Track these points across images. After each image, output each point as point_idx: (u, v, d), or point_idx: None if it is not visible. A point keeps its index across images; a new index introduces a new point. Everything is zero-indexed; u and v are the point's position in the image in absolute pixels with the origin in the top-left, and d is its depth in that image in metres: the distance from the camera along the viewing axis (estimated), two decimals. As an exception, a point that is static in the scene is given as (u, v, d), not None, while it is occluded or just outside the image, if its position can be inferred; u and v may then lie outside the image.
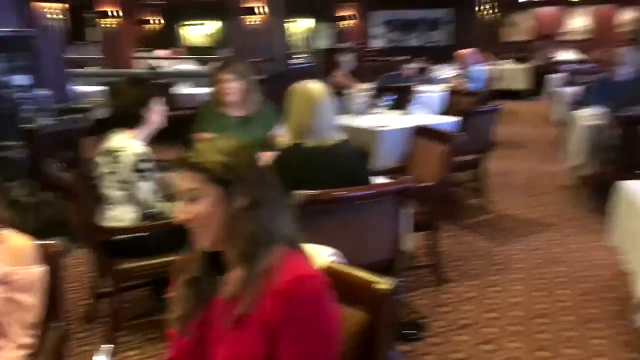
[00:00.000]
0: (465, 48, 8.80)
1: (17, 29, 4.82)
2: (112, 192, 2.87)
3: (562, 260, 3.91)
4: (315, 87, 2.58)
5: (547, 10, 16.00)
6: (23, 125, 4.69)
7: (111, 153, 2.84)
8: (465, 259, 3.98)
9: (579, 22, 15.80)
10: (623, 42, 12.70)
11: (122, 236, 2.83)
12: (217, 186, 1.32)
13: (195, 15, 17.34)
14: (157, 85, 3.21)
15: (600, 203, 4.14)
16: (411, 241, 3.04)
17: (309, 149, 2.50)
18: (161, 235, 2.91)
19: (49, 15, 5.56)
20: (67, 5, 5.91)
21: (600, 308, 3.23)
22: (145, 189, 2.85)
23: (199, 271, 1.42)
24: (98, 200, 2.92)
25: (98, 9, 11.50)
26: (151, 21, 17.14)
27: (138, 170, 2.82)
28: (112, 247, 2.80)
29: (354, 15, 16.09)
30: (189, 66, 12.23)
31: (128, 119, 2.93)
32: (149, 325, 3.07)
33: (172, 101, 6.89)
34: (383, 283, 1.41)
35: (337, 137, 2.58)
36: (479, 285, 3.56)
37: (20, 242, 1.70)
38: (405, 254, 2.80)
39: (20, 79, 4.67)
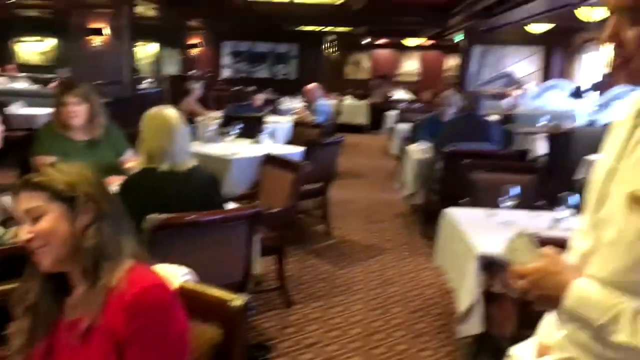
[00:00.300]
0: (311, 82, 9.26)
1: None
2: (-60, 216, 2.66)
3: (395, 281, 4.27)
4: (170, 113, 2.64)
5: (384, 53, 17.35)
6: None
7: (-60, 175, 2.65)
8: (310, 281, 4.19)
9: (410, 65, 17.33)
10: (448, 85, 14.16)
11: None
12: (60, 203, 1.34)
13: (28, 30, 16.23)
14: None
15: (429, 229, 4.62)
16: (259, 265, 3.17)
17: (164, 173, 2.54)
18: (-3, 263, 2.75)
19: None
20: None
21: (428, 323, 3.59)
22: (-19, 213, 2.68)
23: (38, 296, 1.41)
24: None
25: None
26: (-21, 34, 15.74)
27: (-27, 194, 2.65)
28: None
29: (203, 43, 16.13)
30: (24, 85, 11.43)
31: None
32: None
33: (7, 121, 6.42)
34: (236, 300, 1.51)
35: (191, 163, 2.65)
36: (322, 306, 3.77)
37: None
38: (254, 277, 2.92)
39: None
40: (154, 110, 2.67)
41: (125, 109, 9.96)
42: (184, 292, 1.51)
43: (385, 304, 3.84)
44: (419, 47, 16.78)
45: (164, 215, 2.41)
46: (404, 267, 4.56)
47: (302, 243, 4.93)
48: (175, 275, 1.61)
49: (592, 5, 7.20)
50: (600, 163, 1.27)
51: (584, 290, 1.16)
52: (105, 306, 1.32)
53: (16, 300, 1.43)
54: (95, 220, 1.36)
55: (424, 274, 4.39)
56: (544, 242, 1.31)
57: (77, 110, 3.34)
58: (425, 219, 5.27)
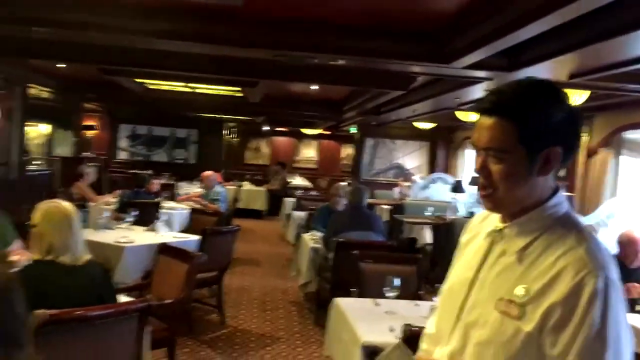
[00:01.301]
0: (210, 167, 9.38)
1: None
2: None
3: (289, 370, 4.32)
4: (66, 205, 2.67)
5: (283, 140, 17.91)
6: None
7: None
8: (202, 374, 4.14)
9: (308, 152, 17.97)
10: (344, 173, 14.80)
11: None
12: None
13: None
14: None
15: (321, 317, 4.75)
16: (149, 359, 3.13)
17: (58, 266, 2.54)
18: None
19: None
20: None
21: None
22: None
23: None
24: None
25: None
26: None
27: None
28: None
29: (99, 125, 15.91)
30: None
31: None
32: None
33: None
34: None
35: (86, 256, 2.66)
36: (214, 399, 3.74)
37: None
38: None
39: None
40: (50, 204, 2.68)
41: (12, 191, 9.55)
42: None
43: (278, 395, 3.87)
44: (316, 136, 17.50)
45: (51, 311, 2.38)
46: (297, 356, 4.62)
47: (195, 333, 4.87)
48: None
49: (467, 110, 8.01)
50: (456, 275, 1.49)
51: None
52: None
53: None
54: None
55: (316, 363, 4.48)
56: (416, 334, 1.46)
57: None
58: (318, 307, 5.41)
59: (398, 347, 1.37)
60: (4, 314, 1.39)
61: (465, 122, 9.07)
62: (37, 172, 11.24)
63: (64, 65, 8.28)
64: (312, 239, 5.90)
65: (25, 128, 10.79)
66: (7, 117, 9.57)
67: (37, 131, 15.53)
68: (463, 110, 8.09)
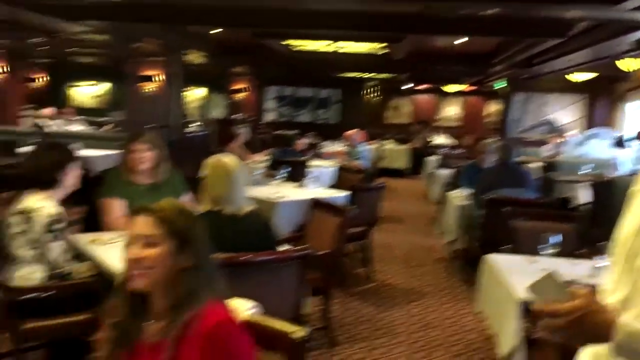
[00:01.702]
0: (351, 126, 9.52)
1: None
2: (23, 251, 2.92)
3: (437, 325, 4.35)
4: (230, 161, 2.88)
5: (424, 98, 17.57)
6: None
7: (25, 213, 2.92)
8: (353, 323, 4.31)
9: (451, 110, 17.48)
10: (489, 130, 14.25)
11: (28, 295, 2.86)
12: (173, 240, 1.54)
13: (83, 75, 17.10)
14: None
15: (470, 275, 4.70)
16: (306, 305, 3.32)
17: (225, 216, 2.77)
18: (68, 296, 2.98)
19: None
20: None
21: (470, 367, 3.66)
22: (57, 249, 2.94)
23: (123, 315, 1.57)
24: (6, 260, 2.94)
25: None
26: (37, 79, 16.65)
27: (51, 231, 2.91)
28: (17, 306, 2.82)
29: (247, 88, 16.68)
30: (79, 127, 12.03)
31: (44, 181, 3.03)
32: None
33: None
34: (298, 332, 1.68)
35: (249, 207, 2.87)
36: (366, 347, 3.88)
37: None
38: (303, 316, 3.08)
39: None
40: (216, 159, 2.91)
41: (173, 151, 10.42)
42: (250, 324, 1.69)
43: (428, 348, 3.93)
44: (459, 93, 16.96)
45: (222, 255, 2.60)
46: (445, 312, 4.64)
47: (344, 285, 5.06)
48: (243, 308, 1.79)
49: (633, 57, 7.29)
50: (626, 224, 1.42)
51: (631, 326, 1.28)
52: (183, 338, 1.49)
53: (105, 314, 1.61)
54: (195, 264, 1.55)
55: (466, 319, 4.46)
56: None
57: (145, 157, 3.61)
58: (466, 265, 5.35)
59: (549, 277, 1.34)
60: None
61: (628, 72, 8.29)
62: (194, 134, 12.09)
63: (218, 31, 8.74)
64: (458, 196, 5.82)
65: (183, 93, 11.63)
66: (167, 82, 10.38)
67: (194, 95, 16.69)
68: (627, 58, 7.38)
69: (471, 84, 15.61)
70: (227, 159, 2.90)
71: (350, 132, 8.95)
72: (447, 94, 17.14)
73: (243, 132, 8.89)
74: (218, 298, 1.59)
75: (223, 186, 2.80)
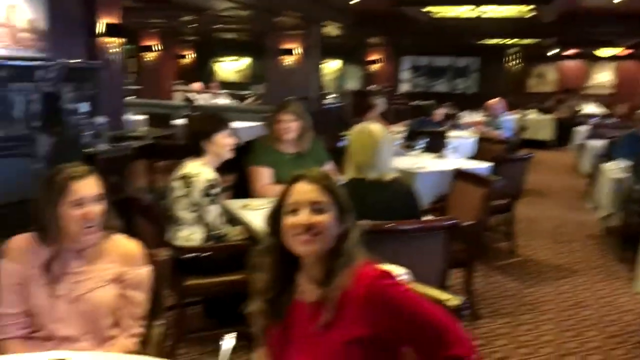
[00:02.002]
0: (491, 96, 9.10)
1: (85, 61, 5.22)
2: (184, 214, 3.15)
3: (589, 304, 4.09)
4: (376, 128, 2.88)
5: (572, 64, 16.35)
6: (85, 150, 5.04)
7: (185, 179, 3.14)
8: (496, 297, 4.17)
9: (603, 76, 16.12)
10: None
11: (189, 255, 3.09)
12: (337, 209, 1.58)
13: (226, 51, 17.96)
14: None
15: (627, 253, 4.35)
16: (450, 276, 3.26)
17: (370, 183, 2.78)
18: (224, 256, 3.18)
19: (110, 49, 5.97)
20: (123, 41, 6.31)
21: (627, 350, 3.40)
22: (213, 212, 3.14)
23: (277, 277, 1.61)
24: (170, 221, 3.20)
25: (141, 44, 12.09)
26: (186, 56, 17.78)
27: (208, 195, 3.11)
28: (179, 264, 3.05)
29: (382, 58, 16.57)
30: (224, 100, 12.70)
31: (200, 148, 3.24)
32: (203, 340, 3.32)
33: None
34: (452, 299, 1.65)
35: (392, 174, 2.86)
36: (510, 322, 3.75)
37: (130, 245, 1.98)
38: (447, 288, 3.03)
39: (83, 107, 5.03)
40: (361, 126, 2.92)
41: (313, 123, 10.67)
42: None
43: (579, 327, 3.71)
44: (613, 57, 15.56)
45: (368, 222, 2.62)
46: (599, 291, 4.34)
47: (486, 259, 4.91)
48: (395, 273, 1.79)
49: None
50: None
51: None
52: (341, 300, 1.52)
53: (258, 282, 1.65)
54: (350, 229, 1.58)
55: (622, 300, 4.15)
56: None
57: (291, 127, 3.72)
58: (623, 242, 4.95)
59: None
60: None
61: None
62: (331, 106, 12.27)
63: (356, 1, 8.73)
64: (614, 169, 5.38)
65: (321, 65, 11.81)
66: (306, 55, 10.60)
67: (329, 67, 16.92)
68: None
69: (628, 47, 14.24)
70: (373, 127, 2.90)
71: (491, 101, 8.57)
72: (598, 59, 15.82)
73: (379, 103, 8.86)
74: (367, 260, 1.60)
75: (368, 153, 2.81)
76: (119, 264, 1.93)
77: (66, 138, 4.82)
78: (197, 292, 3.17)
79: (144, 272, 1.97)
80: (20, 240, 1.91)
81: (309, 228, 1.54)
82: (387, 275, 1.55)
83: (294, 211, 1.57)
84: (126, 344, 1.90)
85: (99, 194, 1.88)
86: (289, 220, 1.57)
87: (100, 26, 5.85)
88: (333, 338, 1.52)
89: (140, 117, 8.42)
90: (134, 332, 1.93)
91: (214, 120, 3.38)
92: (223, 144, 3.26)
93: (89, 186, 1.86)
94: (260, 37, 11.86)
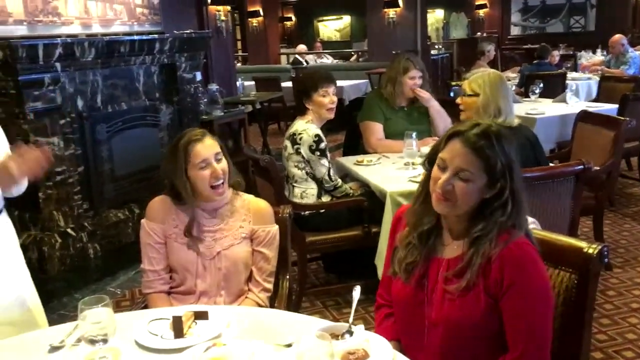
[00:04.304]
0: (611, 33, 8.38)
1: (196, 31, 5.40)
2: (295, 170, 3.23)
3: None
4: (496, 73, 2.76)
5: None
6: (202, 117, 5.27)
7: (294, 136, 3.20)
8: (628, 246, 3.92)
9: None
10: None
11: (307, 212, 3.16)
12: (486, 176, 1.47)
13: (327, 10, 17.86)
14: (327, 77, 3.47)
15: None
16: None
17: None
18: (340, 212, 3.23)
19: (219, 18, 6.13)
20: (230, 8, 6.45)
21: None
22: (323, 167, 3.18)
23: (431, 221, 1.56)
24: (286, 179, 3.29)
25: (248, 10, 12.30)
26: (289, 18, 17.90)
27: (316, 150, 3.15)
28: (298, 221, 3.13)
29: (489, 3, 15.71)
30: (327, 60, 12.71)
31: (301, 106, 3.27)
32: (324, 294, 3.42)
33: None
34: (591, 247, 1.55)
35: (516, 120, 2.73)
36: (646, 272, 3.52)
37: (260, 204, 2.06)
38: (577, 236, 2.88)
39: (197, 76, 5.23)
40: (480, 73, 2.80)
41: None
42: (536, 239, 1.60)
43: None
44: None
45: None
46: None
47: (617, 206, 4.60)
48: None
49: None
50: None
51: None
52: (481, 265, 1.46)
53: (410, 222, 1.60)
54: (506, 199, 1.47)
55: None
56: None
57: (418, 82, 3.64)
58: None
59: None
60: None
61: None
62: (438, 56, 11.89)
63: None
64: None
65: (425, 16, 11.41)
66: (409, 7, 10.29)
67: (434, 17, 16.35)
68: None
69: None
70: (492, 72, 2.78)
71: (614, 37, 7.90)
72: None
73: (490, 49, 8.47)
74: (514, 226, 1.50)
75: (496, 98, 2.70)
76: (251, 222, 2.01)
77: (184, 106, 5.06)
78: (316, 247, 3.24)
79: (274, 229, 2.04)
80: (159, 202, 2.03)
81: (446, 191, 1.49)
82: (528, 245, 1.48)
83: (442, 167, 1.51)
84: (258, 298, 1.99)
85: (219, 152, 1.96)
86: (435, 172, 1.52)
87: (209, -5, 6.02)
88: (472, 299, 1.48)
89: (250, 82, 8.63)
90: (265, 287, 2.01)
91: (314, 78, 3.36)
92: (321, 102, 3.25)
93: (208, 146, 1.94)
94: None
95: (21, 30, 3.97)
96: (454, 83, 6.99)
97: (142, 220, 2.02)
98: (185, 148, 1.92)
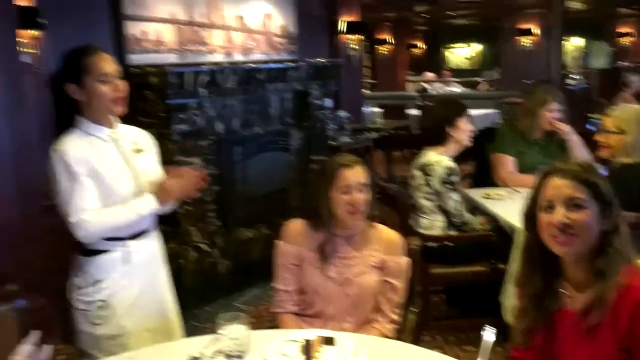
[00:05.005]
0: None
1: (328, 59, 5.58)
2: (424, 202, 3.20)
3: None
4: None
5: None
6: (329, 143, 5.40)
7: (425, 167, 3.18)
8: None
9: None
10: None
11: (432, 243, 3.13)
12: (597, 202, 1.44)
13: (456, 37, 17.63)
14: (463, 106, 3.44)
15: None
16: None
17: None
18: (467, 246, 3.16)
19: (350, 46, 6.30)
20: (362, 37, 6.60)
21: None
22: (454, 200, 3.13)
23: (539, 284, 1.51)
24: (412, 209, 3.27)
25: (377, 37, 12.51)
26: (416, 46, 17.89)
27: (447, 183, 3.11)
28: (423, 252, 3.10)
29: (634, 31, 14.71)
30: (455, 89, 12.54)
31: (438, 136, 3.24)
32: (446, 328, 3.33)
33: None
34: None
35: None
36: None
37: (392, 235, 2.09)
38: None
39: (327, 102, 5.39)
40: (628, 106, 2.65)
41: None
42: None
43: None
44: None
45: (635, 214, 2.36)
46: None
47: None
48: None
49: None
50: None
51: None
52: (613, 303, 1.39)
53: (519, 285, 1.58)
54: (615, 226, 1.44)
55: None
56: None
57: (557, 115, 3.51)
58: None
59: None
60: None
61: None
62: (575, 86, 11.31)
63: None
64: None
65: (562, 44, 10.94)
66: (545, 34, 9.92)
67: (572, 44, 15.59)
68: None
69: None
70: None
71: None
72: None
73: (633, 82, 7.92)
74: (632, 261, 1.44)
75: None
76: (382, 252, 2.03)
77: (314, 132, 5.22)
78: (440, 280, 3.19)
79: (404, 261, 2.05)
80: (296, 225, 2.11)
81: (565, 227, 1.43)
82: None
83: (549, 208, 1.46)
84: (385, 329, 2.00)
85: (365, 183, 2.00)
86: (544, 218, 1.47)
87: (341, 25, 6.20)
88: (601, 346, 1.40)
89: (377, 109, 8.73)
90: (392, 319, 2.02)
91: (456, 105, 3.35)
92: (465, 129, 3.23)
93: (356, 174, 1.99)
94: (493, 20, 11.39)
95: (172, 58, 4.33)
96: (592, 116, 6.61)
97: (278, 241, 2.10)
98: (334, 170, 1.99)
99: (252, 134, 4.67)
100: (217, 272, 4.26)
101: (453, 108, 3.30)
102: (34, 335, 1.72)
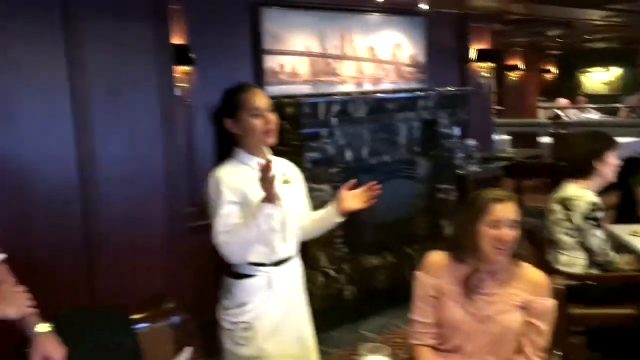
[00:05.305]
0: None
1: (458, 88, 5.52)
2: (564, 238, 3.04)
3: None
4: None
5: None
6: (457, 171, 5.32)
7: (566, 201, 3.03)
8: None
9: None
10: None
11: (572, 282, 2.96)
12: None
13: (592, 62, 16.64)
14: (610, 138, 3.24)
15: None
16: None
17: None
18: (611, 286, 2.96)
19: (481, 74, 6.17)
20: (493, 65, 6.45)
21: None
22: (597, 237, 2.95)
23: None
24: (550, 244, 3.13)
25: (506, 63, 12.16)
26: (548, 70, 17.12)
27: (591, 219, 2.94)
28: (565, 291, 2.94)
29: None
30: (592, 115, 11.83)
31: (582, 169, 3.08)
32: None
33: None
34: None
35: None
36: None
37: (539, 275, 2.01)
38: None
39: (455, 131, 5.31)
40: None
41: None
42: None
43: None
44: None
45: None
46: None
47: None
48: None
49: None
50: None
51: None
52: None
53: None
54: None
55: None
56: None
57: None
58: None
59: None
60: None
61: None
62: None
63: None
64: None
65: None
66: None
67: None
68: None
69: None
70: None
71: None
72: None
73: None
74: None
75: None
76: (527, 292, 1.97)
77: (441, 161, 5.16)
78: (582, 321, 3.00)
79: (549, 303, 1.97)
80: (438, 257, 2.09)
81: None
82: None
83: None
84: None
85: (515, 220, 1.95)
86: None
87: (472, 53, 6.11)
88: None
89: (506, 137, 8.45)
90: (534, 362, 1.93)
91: (605, 138, 3.18)
92: (613, 164, 3.06)
93: (507, 210, 1.94)
94: (634, 43, 10.65)
95: (306, 89, 4.52)
96: None
97: (418, 272, 2.09)
98: (485, 203, 1.95)
99: (379, 162, 4.72)
100: (343, 297, 4.31)
101: (602, 141, 3.14)
102: (188, 351, 1.86)
